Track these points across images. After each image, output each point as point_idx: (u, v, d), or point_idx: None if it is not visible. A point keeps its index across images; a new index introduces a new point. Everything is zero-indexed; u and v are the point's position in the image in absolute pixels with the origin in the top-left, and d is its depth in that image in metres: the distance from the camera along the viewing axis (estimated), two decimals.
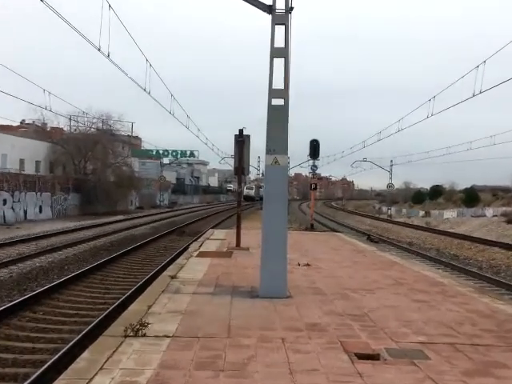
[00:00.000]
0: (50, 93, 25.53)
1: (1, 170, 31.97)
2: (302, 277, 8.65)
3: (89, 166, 39.84)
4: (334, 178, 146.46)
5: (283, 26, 6.63)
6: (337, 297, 6.94)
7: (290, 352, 4.69)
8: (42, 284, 10.33)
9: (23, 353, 6.15)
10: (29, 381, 4.92)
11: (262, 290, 6.69)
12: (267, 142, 6.65)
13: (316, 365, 4.37)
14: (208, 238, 15.05)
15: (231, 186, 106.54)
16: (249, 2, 6.30)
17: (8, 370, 5.65)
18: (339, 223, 36.79)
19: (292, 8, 6.50)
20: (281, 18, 6.61)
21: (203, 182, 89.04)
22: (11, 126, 55.72)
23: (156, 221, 30.48)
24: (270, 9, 6.55)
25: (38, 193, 29.50)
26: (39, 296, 8.73)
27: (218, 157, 61.42)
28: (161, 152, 61.24)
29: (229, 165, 64.33)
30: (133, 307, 6.15)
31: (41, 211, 29.47)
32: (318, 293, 7.21)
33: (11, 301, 8.43)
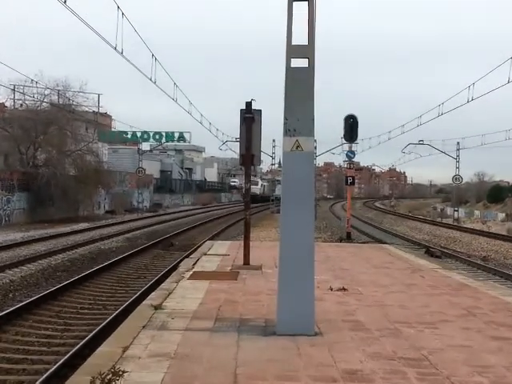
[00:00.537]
0: None
1: None
2: (335, 306, 8.89)
3: (40, 154, 39.95)
4: (378, 169, 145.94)
5: None
6: (384, 333, 7.09)
7: None
8: None
9: None
10: None
11: (280, 324, 6.86)
12: (285, 119, 6.81)
13: None
14: (205, 254, 15.34)
15: (236, 182, 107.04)
16: None
17: None
18: (387, 231, 36.98)
19: None
20: None
21: (198, 176, 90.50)
22: None
23: (133, 230, 31.16)
24: None
25: None
26: None
27: (217, 141, 61.69)
28: (139, 135, 61.09)
29: (233, 152, 64.45)
30: (103, 349, 6.31)
31: None
32: (359, 328, 7.38)
33: None
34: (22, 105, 44.12)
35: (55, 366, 7.40)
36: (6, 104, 44.87)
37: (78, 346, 8.31)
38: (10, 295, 13.01)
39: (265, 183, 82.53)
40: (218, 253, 15.53)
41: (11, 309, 10.86)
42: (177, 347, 6.27)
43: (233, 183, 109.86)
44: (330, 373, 5.65)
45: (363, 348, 6.43)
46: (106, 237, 26.72)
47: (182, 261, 15.42)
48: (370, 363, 5.94)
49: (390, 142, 54.15)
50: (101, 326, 9.49)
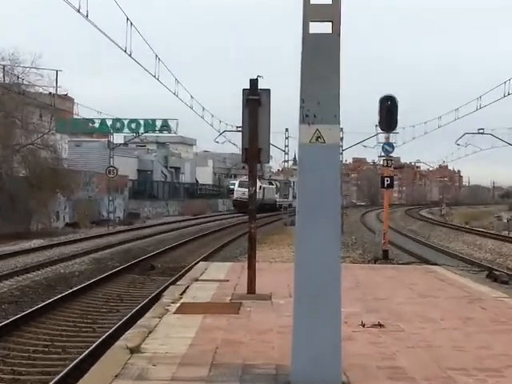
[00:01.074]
0: None
1: None
2: (369, 347, 8.96)
3: None
4: (424, 167, 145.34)
5: None
6: None
7: None
8: None
9: None
10: None
11: (296, 372, 6.89)
12: (302, 101, 6.84)
13: None
14: (197, 279, 15.55)
15: (235, 183, 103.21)
16: None
17: None
18: (436, 248, 37.36)
19: None
20: None
21: (187, 177, 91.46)
22: None
23: (102, 248, 31.59)
24: None
25: None
26: None
27: (213, 131, 63.42)
28: (109, 123, 61.38)
29: (233, 145, 65.56)
30: None
31: None
32: (400, 377, 7.46)
33: None
34: None
35: None
36: None
37: None
38: None
39: (265, 185, 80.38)
40: (214, 278, 15.85)
41: None
42: None
43: (233, 186, 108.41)
44: None
45: None
46: (66, 257, 27.09)
47: (166, 289, 15.71)
48: None
49: (440, 131, 53.38)
50: (60, 375, 9.62)
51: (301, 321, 6.94)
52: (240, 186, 72.53)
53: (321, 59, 6.82)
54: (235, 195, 76.51)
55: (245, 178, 62.21)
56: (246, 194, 56.49)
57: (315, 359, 6.90)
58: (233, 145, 66.10)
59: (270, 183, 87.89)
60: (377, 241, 32.75)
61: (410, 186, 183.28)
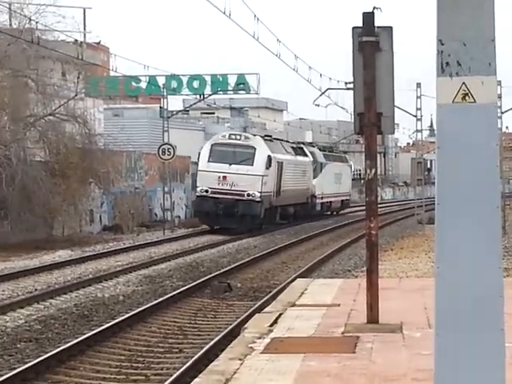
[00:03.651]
0: None
1: None
2: None
3: None
4: None
5: None
6: None
7: None
8: None
9: None
10: None
11: None
12: (440, 43, 5.56)
13: None
14: (294, 304, 14.38)
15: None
16: None
17: None
18: None
19: None
20: None
21: None
22: None
23: (156, 262, 29.11)
24: None
25: None
26: None
27: (311, 90, 54.84)
28: (161, 82, 51.08)
29: (341, 109, 55.85)
30: None
31: None
32: None
33: None
34: None
35: None
36: None
37: None
38: None
39: (283, 154, 47.49)
40: (318, 302, 14.58)
41: None
42: None
43: None
44: None
45: None
46: (105, 275, 24.60)
47: (249, 318, 14.40)
48: None
49: None
50: None
51: (446, 362, 5.73)
52: (212, 158, 39.75)
53: None
54: (200, 186, 40.05)
55: (223, 139, 39.36)
56: (225, 182, 34.56)
57: None
58: (341, 109, 56.66)
59: (298, 150, 51.83)
60: None
61: None
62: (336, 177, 55.37)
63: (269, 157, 38.12)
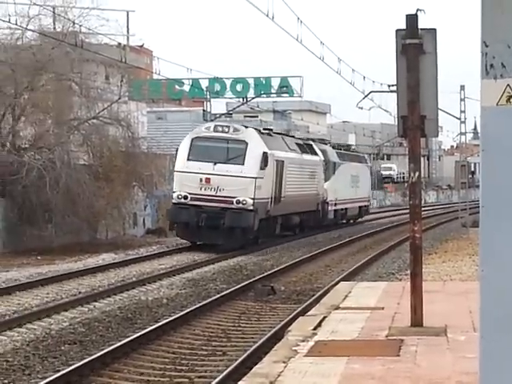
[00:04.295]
0: None
1: None
2: None
3: (24, 128, 34.94)
4: None
5: None
6: None
7: None
8: None
9: None
10: None
11: None
12: (484, 45, 5.45)
13: None
14: (337, 307, 14.15)
15: (391, 169, 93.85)
16: None
17: None
18: None
19: None
20: None
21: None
22: None
23: (200, 264, 28.35)
24: None
25: None
26: None
27: (355, 93, 51.12)
28: (204, 85, 51.38)
29: (385, 112, 53.47)
30: None
31: None
32: None
33: None
34: None
35: None
36: None
37: None
38: None
39: (286, 153, 38.36)
40: (361, 305, 14.41)
41: None
42: None
43: (386, 171, 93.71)
44: None
45: None
46: (149, 278, 24.36)
47: (292, 321, 14.13)
48: None
49: None
50: None
51: (491, 365, 5.62)
52: (192, 156, 31.51)
53: None
54: (176, 191, 31.50)
55: (207, 132, 31.60)
56: (209, 186, 27.38)
57: None
58: (384, 112, 53.50)
59: (306, 147, 42.88)
60: None
61: None
62: (352, 179, 47.62)
63: (264, 154, 29.75)
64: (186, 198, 28.64)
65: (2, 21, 31.34)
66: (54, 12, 34.13)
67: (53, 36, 33.88)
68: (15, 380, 12.15)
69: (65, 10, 34.33)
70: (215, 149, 29.19)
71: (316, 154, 42.14)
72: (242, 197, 28.06)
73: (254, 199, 28.35)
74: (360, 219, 50.43)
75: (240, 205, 27.94)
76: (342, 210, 44.79)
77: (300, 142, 41.75)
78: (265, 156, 29.84)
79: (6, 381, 12.11)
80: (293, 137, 44.02)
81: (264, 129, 38.27)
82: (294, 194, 35.38)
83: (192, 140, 30.08)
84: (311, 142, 44.49)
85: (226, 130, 30.07)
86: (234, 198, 28.14)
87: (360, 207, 49.03)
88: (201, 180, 28.62)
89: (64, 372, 11.67)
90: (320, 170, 41.71)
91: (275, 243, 33.91)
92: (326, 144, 48.38)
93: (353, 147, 58.69)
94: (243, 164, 29.10)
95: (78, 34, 34.68)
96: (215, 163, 28.56)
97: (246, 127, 32.71)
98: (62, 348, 14.37)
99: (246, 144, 29.44)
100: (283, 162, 33.37)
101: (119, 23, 39.67)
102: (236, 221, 27.81)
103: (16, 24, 31.62)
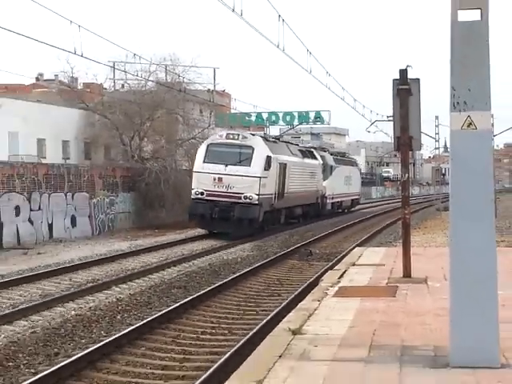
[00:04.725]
0: (80, 26, 26.83)
1: (11, 157, 34.83)
2: None
3: (146, 145, 44.78)
4: None
5: None
6: None
7: None
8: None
9: None
10: None
11: (454, 353, 7.40)
12: (453, 89, 7.25)
13: None
14: (354, 264, 17.15)
15: (389, 172, 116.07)
16: None
17: None
18: None
19: None
20: None
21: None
22: (22, 85, 60.62)
23: (263, 236, 33.44)
24: None
25: (69, 194, 33.20)
26: None
27: (364, 122, 64.71)
28: (265, 116, 66.38)
29: (385, 134, 66.09)
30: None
31: (74, 224, 33.54)
32: None
33: None
34: (123, 85, 51.33)
35: None
36: (104, 85, 52.49)
37: (201, 379, 9.59)
38: (118, 317, 14.85)
39: (288, 156, 40.41)
40: (370, 262, 17.37)
41: (120, 333, 12.46)
42: (322, 383, 7.01)
43: (386, 174, 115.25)
44: None
45: None
46: (230, 244, 29.11)
47: (324, 273, 17.45)
48: None
49: None
50: (227, 354, 10.84)
51: (458, 304, 7.42)
52: (208, 158, 33.24)
53: (470, 47, 7.22)
54: (195, 188, 33.05)
55: (220, 139, 33.85)
56: (221, 184, 31.22)
57: (473, 342, 7.35)
58: (384, 134, 65.88)
59: (307, 153, 46.86)
60: None
61: None
62: (346, 179, 54.48)
63: (268, 157, 32.50)
64: (202, 194, 31.34)
65: (132, 75, 45.67)
66: (166, 69, 45.72)
67: (165, 84, 44.97)
68: (142, 312, 15.32)
69: (173, 67, 46.25)
70: (227, 153, 31.84)
71: (316, 158, 46.77)
72: (248, 193, 30.78)
73: (258, 195, 31.00)
74: (352, 209, 57.21)
75: (247, 200, 30.69)
76: (337, 202, 50.64)
77: (303, 148, 46.36)
78: (268, 159, 32.45)
79: (135, 312, 15.35)
80: (297, 145, 47.90)
81: (271, 136, 43.87)
82: (296, 190, 38.87)
83: (208, 146, 33.00)
84: (312, 149, 48.57)
85: (236, 137, 32.74)
86: (242, 194, 30.82)
87: (352, 200, 56.46)
88: (214, 179, 31.27)
89: (173, 307, 14.66)
90: (319, 171, 46.35)
91: (296, 226, 38.80)
92: (325, 151, 53.37)
93: (347, 154, 67.45)
94: (250, 166, 31.61)
95: (182, 83, 47.07)
96: (226, 165, 31.22)
97: (253, 135, 36.13)
98: (172, 291, 17.99)
99: (253, 149, 32.03)
100: (286, 164, 36.30)
101: (209, 76, 54.25)
102: (244, 213, 30.48)
103: (141, 77, 45.72)
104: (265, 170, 32.16)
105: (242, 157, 32.25)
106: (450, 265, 7.54)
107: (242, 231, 30.88)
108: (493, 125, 46.09)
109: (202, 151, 33.35)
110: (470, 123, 7.18)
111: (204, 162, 32.36)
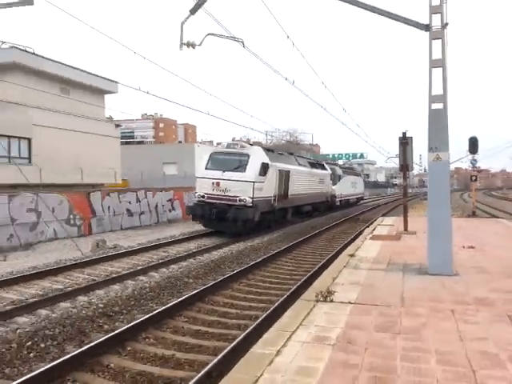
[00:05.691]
0: (252, 116, 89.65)
1: None
2: (467, 257, 13.31)
3: None
4: (493, 170, 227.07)
5: (440, 40, 11.23)
6: (502, 276, 10.55)
7: (460, 322, 7.25)
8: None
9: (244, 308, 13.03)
10: (248, 330, 10.47)
11: (430, 267, 11.10)
12: (429, 141, 11.04)
13: (484, 334, 6.77)
14: (379, 224, 26.36)
15: (396, 181, 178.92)
16: (408, 24, 11.78)
17: (231, 322, 11.84)
18: (501, 210, 52.30)
19: (447, 24, 11.26)
20: (437, 34, 11.31)
21: (372, 178, 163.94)
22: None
23: (333, 211, 50.51)
24: (426, 27, 11.60)
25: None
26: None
27: (383, 156, 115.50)
28: (336, 155, 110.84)
29: (394, 163, 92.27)
30: (321, 278, 11.22)
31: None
32: (484, 272, 11.17)
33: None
34: (270, 142, 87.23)
35: (294, 287, 14.20)
36: (262, 142, 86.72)
37: (306, 276, 15.67)
38: (200, 279, 17.08)
39: (291, 165, 39.73)
40: (387, 224, 26.75)
41: (207, 285, 15.31)
42: (364, 279, 10.84)
43: (394, 182, 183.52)
44: (465, 299, 8.66)
45: (487, 284, 9.83)
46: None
47: (364, 229, 26.75)
48: (492, 294, 8.93)
49: (504, 151, 63.50)
50: (319, 264, 18.18)
51: (431, 242, 11.28)
52: (209, 165, 32.78)
53: (437, 120, 11.07)
54: (197, 192, 32.48)
55: (221, 148, 33.26)
56: (219, 188, 30.55)
57: (439, 262, 11.06)
58: (394, 163, 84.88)
59: (317, 165, 49.83)
60: (468, 206, 49.50)
61: (485, 180, 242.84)
62: (352, 184, 62.96)
63: (263, 164, 31.57)
64: (203, 196, 30.98)
65: (275, 138, 78.42)
66: (290, 134, 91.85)
67: (289, 142, 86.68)
68: (216, 272, 17.72)
69: (293, 133, 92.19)
70: (225, 160, 31.45)
71: (325, 169, 50.56)
72: (243, 196, 30.29)
73: (253, 198, 30.51)
74: (357, 204, 67.42)
75: (242, 202, 30.19)
76: (345, 200, 57.47)
77: (313, 161, 48.99)
78: (264, 165, 31.65)
79: (212, 273, 17.64)
80: (308, 158, 50.70)
81: (279, 152, 40.37)
82: (302, 192, 39.64)
83: (211, 154, 32.75)
84: (323, 162, 53.54)
85: (235, 147, 32.34)
86: (237, 197, 30.48)
87: (357, 198, 66.65)
88: (213, 183, 30.84)
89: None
90: (328, 178, 49.86)
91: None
92: (335, 165, 63.40)
93: (354, 168, 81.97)
94: (245, 171, 31.02)
95: (297, 141, 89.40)
96: (224, 171, 30.73)
97: (252, 145, 34.90)
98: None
99: (248, 156, 31.44)
100: (289, 171, 36.18)
101: (309, 137, 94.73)
102: (238, 214, 29.99)
103: (277, 138, 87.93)
104: (260, 175, 31.42)
105: (239, 163, 31.65)
106: (428, 224, 10.93)
107: (236, 230, 30.37)
108: (449, 157, 53.41)
109: (205, 159, 32.96)
110: (438, 157, 10.49)
111: (206, 168, 32.10)
